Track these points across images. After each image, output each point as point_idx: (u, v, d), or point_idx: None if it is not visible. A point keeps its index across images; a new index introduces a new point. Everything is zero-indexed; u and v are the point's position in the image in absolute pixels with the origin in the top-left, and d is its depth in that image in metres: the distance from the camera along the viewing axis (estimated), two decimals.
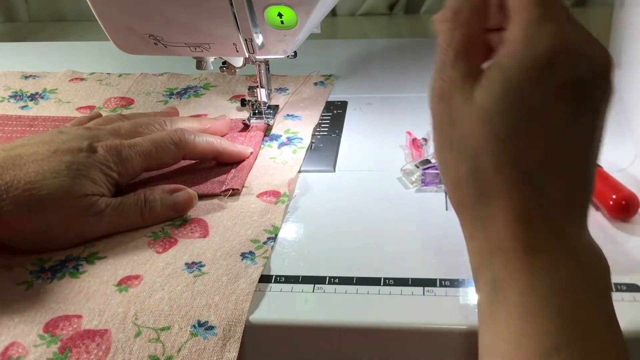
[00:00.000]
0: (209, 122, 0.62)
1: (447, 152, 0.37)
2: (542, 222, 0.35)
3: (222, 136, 0.62)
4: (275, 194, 0.55)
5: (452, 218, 0.51)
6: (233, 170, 0.58)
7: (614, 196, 0.49)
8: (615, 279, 0.44)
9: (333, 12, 1.03)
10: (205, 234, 0.51)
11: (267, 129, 0.64)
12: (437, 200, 0.53)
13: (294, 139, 0.62)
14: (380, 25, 0.99)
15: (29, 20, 1.08)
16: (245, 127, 0.64)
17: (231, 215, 0.53)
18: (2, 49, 0.91)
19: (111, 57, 0.81)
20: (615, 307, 0.42)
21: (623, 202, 0.49)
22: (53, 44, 0.94)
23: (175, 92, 0.73)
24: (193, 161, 0.59)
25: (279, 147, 0.61)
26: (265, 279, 0.46)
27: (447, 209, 0.53)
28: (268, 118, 0.64)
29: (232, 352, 0.41)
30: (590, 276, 0.35)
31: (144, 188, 0.53)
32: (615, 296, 0.43)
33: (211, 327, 0.42)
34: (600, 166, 0.53)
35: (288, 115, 0.67)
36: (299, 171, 0.58)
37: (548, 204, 0.35)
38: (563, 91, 0.33)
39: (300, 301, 0.44)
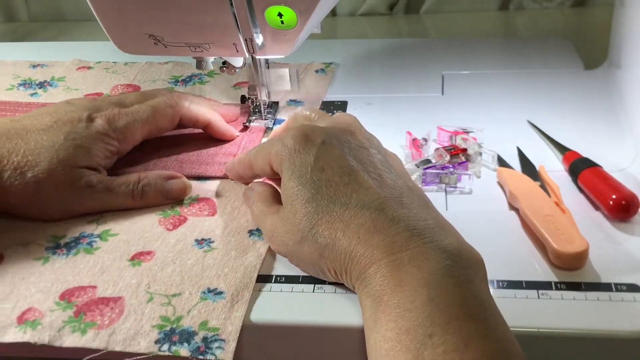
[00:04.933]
0: (217, 105, 0.63)
1: (296, 246, 0.44)
2: (389, 225, 0.40)
3: (228, 122, 0.63)
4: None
5: (452, 217, 0.51)
6: (239, 153, 0.60)
7: (614, 196, 0.49)
8: (615, 279, 0.44)
9: (333, 12, 1.02)
10: (213, 212, 0.53)
11: (267, 130, 0.64)
12: (437, 199, 0.53)
13: None
14: (380, 25, 0.99)
15: (29, 20, 1.08)
16: (245, 128, 0.64)
17: (238, 195, 0.55)
18: (0, 49, 0.90)
19: (110, 57, 0.81)
20: (615, 307, 0.42)
21: (623, 202, 0.49)
22: (51, 45, 0.94)
23: (180, 79, 0.75)
24: (198, 142, 0.61)
25: None
26: (265, 279, 0.46)
27: (447, 209, 0.53)
28: (268, 119, 0.64)
29: (240, 311, 0.44)
30: (459, 265, 0.38)
31: (142, 171, 0.55)
32: (615, 296, 0.43)
33: (220, 293, 0.45)
34: (600, 166, 0.53)
35: (291, 100, 0.69)
36: None
37: (382, 211, 0.41)
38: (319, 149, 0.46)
39: (300, 301, 0.44)
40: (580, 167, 0.54)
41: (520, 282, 0.45)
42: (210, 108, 0.61)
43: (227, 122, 0.63)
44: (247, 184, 0.54)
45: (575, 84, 0.70)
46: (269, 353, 0.44)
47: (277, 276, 0.46)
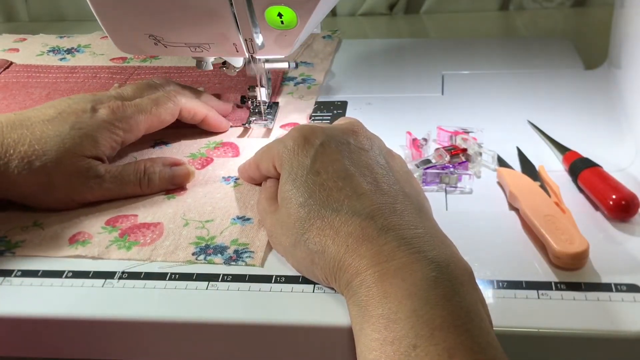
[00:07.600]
0: (209, 98, 0.65)
1: (291, 248, 0.45)
2: (377, 234, 0.40)
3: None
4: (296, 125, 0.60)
5: (452, 217, 0.51)
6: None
7: (614, 196, 0.49)
8: (615, 279, 0.44)
9: (333, 12, 1.02)
10: (236, 154, 0.60)
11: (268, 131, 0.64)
12: (437, 199, 0.53)
13: (308, 79, 0.73)
14: (380, 25, 0.99)
15: (29, 20, 1.08)
16: (245, 130, 0.64)
17: (258, 140, 0.61)
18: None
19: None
20: (615, 307, 0.42)
21: (623, 202, 0.49)
22: None
23: None
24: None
25: (295, 85, 0.70)
26: (265, 279, 0.46)
27: (447, 209, 0.53)
28: (268, 119, 0.64)
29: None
30: (445, 277, 0.38)
31: (145, 159, 0.57)
32: (615, 296, 0.43)
33: (248, 219, 0.51)
34: (600, 166, 0.53)
35: (302, 62, 0.77)
36: None
37: (372, 219, 0.41)
38: (310, 156, 0.46)
39: (300, 301, 0.44)
40: (580, 167, 0.54)
41: (520, 282, 0.45)
42: (204, 103, 0.63)
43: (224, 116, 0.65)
44: (258, 184, 0.55)
45: (575, 84, 0.70)
46: (269, 353, 0.44)
47: (277, 276, 0.46)
